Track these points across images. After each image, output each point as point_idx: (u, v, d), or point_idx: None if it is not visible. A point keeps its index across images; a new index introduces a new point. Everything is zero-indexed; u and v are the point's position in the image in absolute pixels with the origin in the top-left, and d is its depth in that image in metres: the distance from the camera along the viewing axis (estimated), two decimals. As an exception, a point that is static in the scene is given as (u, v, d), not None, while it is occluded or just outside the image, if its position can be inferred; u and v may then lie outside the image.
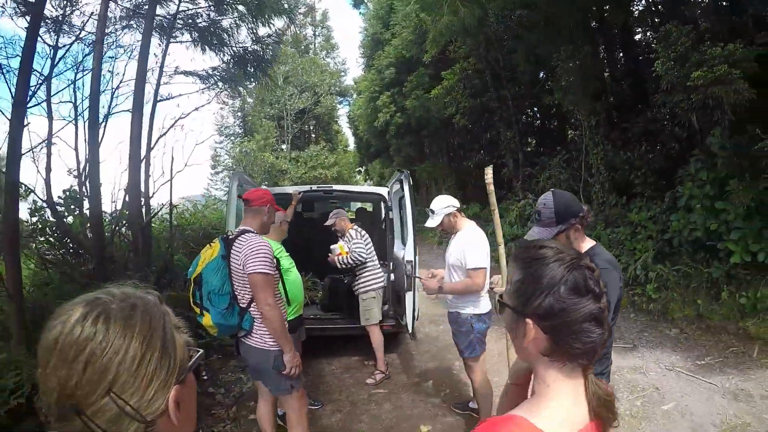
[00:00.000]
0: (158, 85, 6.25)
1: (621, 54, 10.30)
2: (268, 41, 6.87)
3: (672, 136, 7.50)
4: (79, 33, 5.80)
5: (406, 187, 4.78)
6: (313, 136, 28.20)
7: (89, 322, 0.72)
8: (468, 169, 17.29)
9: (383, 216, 6.83)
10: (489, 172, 2.40)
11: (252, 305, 2.75)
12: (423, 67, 15.80)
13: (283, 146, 23.21)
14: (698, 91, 5.20)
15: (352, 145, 35.66)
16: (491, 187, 2.41)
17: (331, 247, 4.87)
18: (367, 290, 4.83)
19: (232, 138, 23.08)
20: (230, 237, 2.82)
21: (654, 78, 7.52)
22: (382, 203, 6.37)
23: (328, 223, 4.99)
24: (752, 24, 5.56)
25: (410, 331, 4.85)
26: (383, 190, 5.89)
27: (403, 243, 5.57)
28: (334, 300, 5.58)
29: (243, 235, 2.77)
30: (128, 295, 0.79)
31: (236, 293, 2.75)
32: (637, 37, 9.94)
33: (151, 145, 6.18)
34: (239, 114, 22.65)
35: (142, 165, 6.06)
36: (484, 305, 3.57)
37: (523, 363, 1.21)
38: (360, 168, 35.70)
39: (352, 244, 4.76)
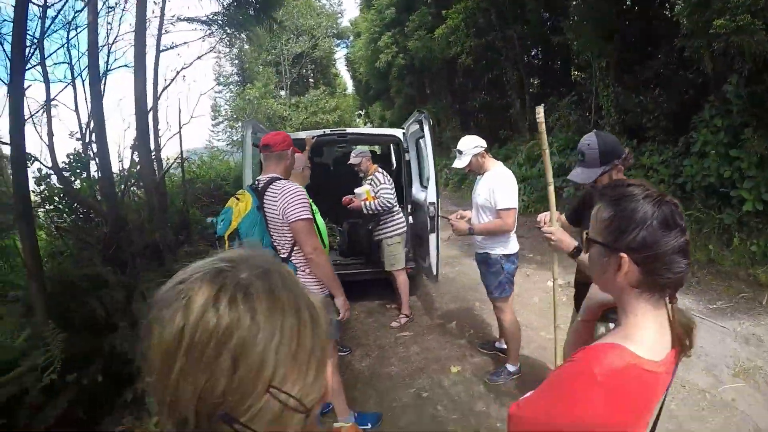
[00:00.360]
0: (160, 34, 5.99)
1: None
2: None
3: (685, 82, 7.31)
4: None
5: (426, 128, 4.66)
6: (312, 80, 27.45)
7: (224, 303, 0.56)
8: (472, 109, 17.00)
9: (396, 158, 6.73)
10: (540, 111, 2.30)
11: (293, 254, 2.71)
12: (425, 5, 15.17)
13: (282, 92, 22.65)
14: (720, 39, 5.02)
15: (350, 89, 34.84)
16: (543, 126, 2.33)
17: (356, 191, 4.68)
18: (392, 235, 4.76)
19: (231, 87, 22.44)
20: (259, 186, 2.71)
21: (667, 22, 7.25)
22: (394, 146, 6.25)
23: (353, 161, 4.75)
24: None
25: (435, 272, 4.86)
26: (398, 132, 5.71)
27: (422, 185, 5.53)
28: (353, 245, 5.54)
29: (274, 183, 2.67)
30: (253, 259, 0.63)
31: (275, 244, 2.69)
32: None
33: (158, 97, 6.01)
34: (236, 62, 21.87)
35: (150, 119, 5.93)
36: (513, 245, 3.62)
37: (593, 301, 1.32)
38: (360, 111, 35.05)
39: (379, 189, 4.59)
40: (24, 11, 4.07)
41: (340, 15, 30.84)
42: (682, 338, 1.02)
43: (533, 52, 14.47)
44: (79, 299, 4.27)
